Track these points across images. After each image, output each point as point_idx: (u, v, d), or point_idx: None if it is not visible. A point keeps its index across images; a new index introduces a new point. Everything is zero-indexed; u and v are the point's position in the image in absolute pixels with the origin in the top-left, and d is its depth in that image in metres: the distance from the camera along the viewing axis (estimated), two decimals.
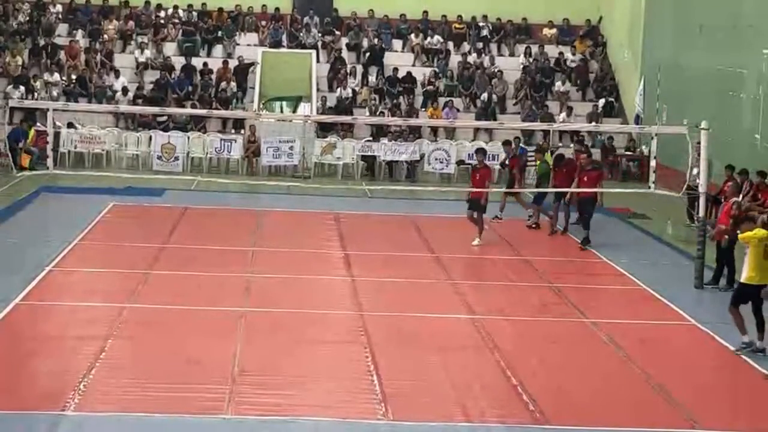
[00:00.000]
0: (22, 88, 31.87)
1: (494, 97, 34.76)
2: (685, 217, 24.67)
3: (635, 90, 32.08)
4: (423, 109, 34.13)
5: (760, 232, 14.63)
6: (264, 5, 37.72)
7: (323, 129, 32.20)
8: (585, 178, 21.80)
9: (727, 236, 17.84)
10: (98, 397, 11.89)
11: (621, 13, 36.81)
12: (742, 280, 14.71)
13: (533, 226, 23.65)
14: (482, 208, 21.32)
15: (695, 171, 23.64)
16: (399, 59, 36.40)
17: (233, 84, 34.07)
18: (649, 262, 20.65)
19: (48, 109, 24.91)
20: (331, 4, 38.14)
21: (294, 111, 32.98)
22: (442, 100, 34.17)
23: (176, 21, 36.87)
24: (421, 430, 11.58)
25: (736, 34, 27.61)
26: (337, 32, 36.91)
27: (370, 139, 31.76)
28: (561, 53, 36.75)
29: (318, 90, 34.18)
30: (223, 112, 31.77)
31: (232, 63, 35.05)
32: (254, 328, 14.89)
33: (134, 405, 11.65)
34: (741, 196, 23.22)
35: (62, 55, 34.65)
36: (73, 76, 33.64)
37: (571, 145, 32.13)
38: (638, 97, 31.13)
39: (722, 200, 24.18)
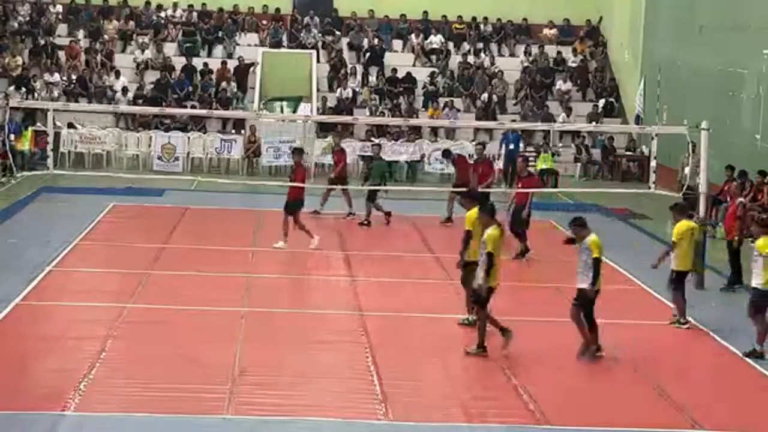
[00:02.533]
0: (23, 90, 31.87)
1: (494, 97, 34.76)
2: None
3: (635, 90, 32.11)
4: (423, 109, 34.14)
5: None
6: (264, 5, 37.73)
7: (323, 129, 32.19)
8: (520, 185, 21.22)
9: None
10: (98, 397, 11.89)
11: (621, 14, 36.81)
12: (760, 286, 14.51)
13: (365, 222, 23.38)
14: (300, 206, 20.65)
15: (686, 170, 23.74)
16: (399, 59, 36.41)
17: (233, 84, 34.08)
18: (649, 263, 20.60)
19: (48, 109, 24.91)
20: (331, 4, 38.15)
21: (294, 111, 32.99)
22: (442, 101, 34.18)
23: (176, 21, 36.89)
24: (421, 430, 11.58)
25: (736, 34, 27.61)
26: (338, 32, 36.92)
27: (366, 139, 31.68)
28: (561, 53, 36.75)
29: (318, 90, 34.20)
30: (223, 113, 31.78)
31: (232, 63, 35.07)
32: (254, 328, 14.89)
33: (134, 405, 11.65)
34: (728, 198, 23.28)
35: (62, 55, 34.66)
36: (73, 76, 33.66)
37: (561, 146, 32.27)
38: (638, 97, 31.16)
39: (721, 201, 24.29)
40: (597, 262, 13.79)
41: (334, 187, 24.16)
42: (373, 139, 31.52)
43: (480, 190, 21.38)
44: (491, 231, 14.07)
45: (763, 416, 12.48)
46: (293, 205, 20.40)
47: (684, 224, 16.05)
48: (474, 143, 26.18)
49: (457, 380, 13.15)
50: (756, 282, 14.46)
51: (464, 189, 23.45)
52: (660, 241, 23.01)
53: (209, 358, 13.43)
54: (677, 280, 15.92)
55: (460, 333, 15.32)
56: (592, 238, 13.98)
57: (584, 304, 13.95)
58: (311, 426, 11.46)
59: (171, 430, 11.20)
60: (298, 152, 21.64)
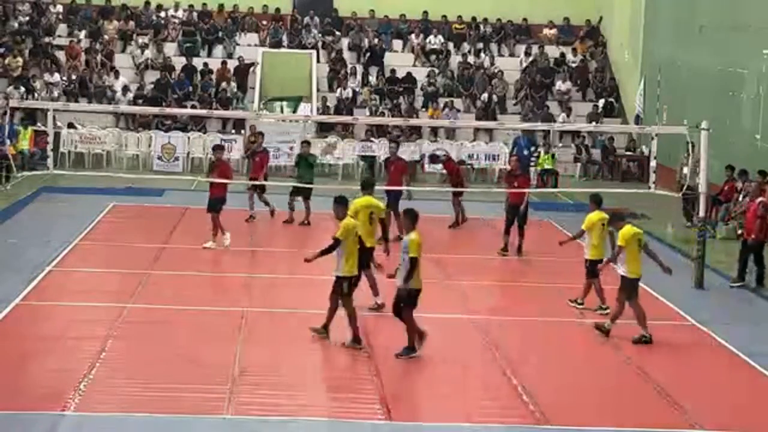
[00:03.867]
0: (22, 88, 31.87)
1: (494, 97, 34.76)
2: (683, 218, 24.69)
3: (635, 90, 32.11)
4: (423, 110, 34.14)
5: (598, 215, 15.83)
6: (264, 5, 37.74)
7: (323, 129, 32.20)
8: (515, 183, 21.23)
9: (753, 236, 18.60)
10: (98, 397, 11.89)
11: (621, 13, 36.82)
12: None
13: (305, 222, 22.88)
14: (221, 205, 20.30)
15: (686, 170, 23.75)
16: (399, 59, 36.42)
17: (233, 84, 34.08)
18: (650, 263, 20.60)
19: (48, 109, 24.89)
20: (331, 4, 38.16)
21: (294, 111, 32.99)
22: (442, 101, 34.18)
23: (176, 21, 36.89)
24: (421, 430, 11.58)
25: (736, 34, 27.61)
26: (338, 32, 36.93)
27: (365, 139, 31.64)
28: (561, 53, 36.76)
29: (318, 90, 34.19)
30: (223, 112, 31.79)
31: (232, 63, 35.07)
32: (254, 328, 14.89)
33: (134, 405, 11.65)
34: (741, 196, 23.30)
35: (62, 55, 34.66)
36: (73, 77, 33.66)
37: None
38: (638, 97, 31.15)
39: (721, 201, 24.31)
40: (413, 261, 13.69)
41: (263, 182, 23.27)
42: (373, 139, 31.55)
43: (393, 188, 21.28)
44: (345, 221, 14.39)
45: (763, 416, 12.49)
46: (214, 202, 20.18)
47: (596, 215, 16.57)
48: (388, 140, 25.38)
49: (457, 380, 13.15)
50: (621, 271, 15.15)
51: (461, 189, 23.49)
52: (659, 241, 23.04)
53: (209, 358, 13.43)
54: (590, 268, 16.45)
55: (460, 333, 15.34)
56: (412, 236, 13.89)
57: (401, 302, 13.85)
58: (311, 426, 11.46)
59: (171, 430, 11.20)
60: (219, 149, 21.30)
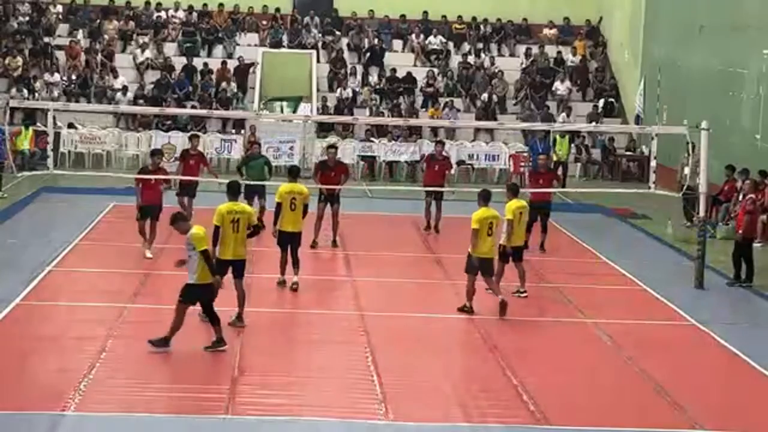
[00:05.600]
0: (25, 91, 31.86)
1: (494, 97, 34.75)
2: (683, 218, 24.69)
3: (635, 90, 32.10)
4: (423, 110, 34.14)
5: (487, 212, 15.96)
6: (264, 5, 37.73)
7: (323, 129, 32.20)
8: (540, 181, 21.34)
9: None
10: (98, 397, 11.89)
11: (621, 13, 36.82)
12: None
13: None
14: (154, 211, 19.66)
15: (686, 170, 23.75)
16: (399, 59, 36.41)
17: (233, 84, 34.08)
18: (650, 263, 20.66)
19: (48, 109, 24.88)
20: (331, 5, 38.15)
21: (294, 111, 32.99)
22: (442, 101, 34.18)
23: (176, 21, 36.90)
24: (421, 430, 11.58)
25: (736, 34, 27.60)
26: (338, 32, 36.93)
27: (365, 139, 31.61)
28: (560, 53, 36.73)
29: (318, 90, 34.19)
30: (223, 113, 31.76)
31: (232, 63, 35.07)
32: (254, 328, 14.89)
33: (134, 405, 11.65)
34: (741, 195, 23.29)
35: (62, 55, 34.66)
36: (74, 77, 33.66)
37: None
38: (638, 97, 31.13)
39: (721, 201, 24.31)
40: (205, 254, 13.59)
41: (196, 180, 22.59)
42: (373, 138, 31.55)
43: (331, 187, 20.92)
44: (195, 230, 13.87)
45: (763, 416, 12.48)
46: (149, 209, 19.70)
47: (515, 203, 16.85)
48: (326, 147, 24.55)
49: (457, 380, 13.15)
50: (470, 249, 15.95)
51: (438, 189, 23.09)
52: (659, 241, 23.06)
53: (209, 358, 13.43)
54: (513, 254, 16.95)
55: (460, 333, 15.35)
56: (192, 231, 13.71)
57: (192, 299, 13.75)
58: (311, 426, 11.46)
59: (171, 430, 11.20)
60: (157, 154, 20.76)
